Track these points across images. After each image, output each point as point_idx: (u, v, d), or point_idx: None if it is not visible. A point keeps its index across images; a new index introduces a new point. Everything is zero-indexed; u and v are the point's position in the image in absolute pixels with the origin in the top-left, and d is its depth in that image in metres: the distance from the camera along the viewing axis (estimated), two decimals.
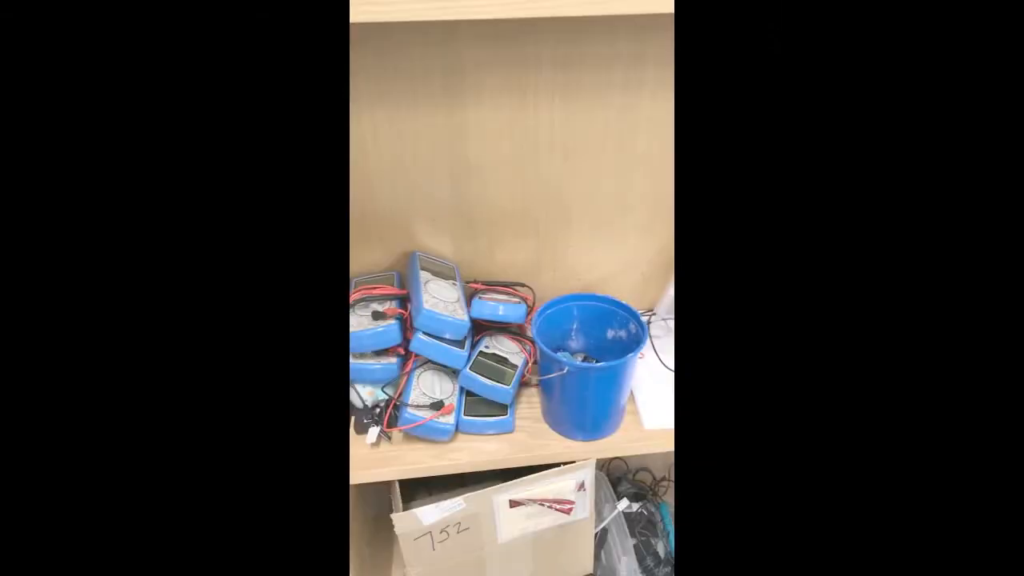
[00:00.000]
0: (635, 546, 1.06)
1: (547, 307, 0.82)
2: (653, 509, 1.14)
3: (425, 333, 0.78)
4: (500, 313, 0.84)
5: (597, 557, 1.06)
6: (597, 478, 1.12)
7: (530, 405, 0.87)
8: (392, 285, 0.87)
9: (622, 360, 0.72)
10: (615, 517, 1.05)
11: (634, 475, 1.23)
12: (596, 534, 1.02)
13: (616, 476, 1.21)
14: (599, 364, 0.76)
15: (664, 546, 1.08)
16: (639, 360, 0.89)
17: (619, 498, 1.08)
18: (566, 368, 0.72)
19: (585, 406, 0.78)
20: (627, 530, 1.05)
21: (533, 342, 0.89)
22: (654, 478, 1.23)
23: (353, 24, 0.61)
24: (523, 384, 0.88)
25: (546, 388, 0.81)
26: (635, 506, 1.13)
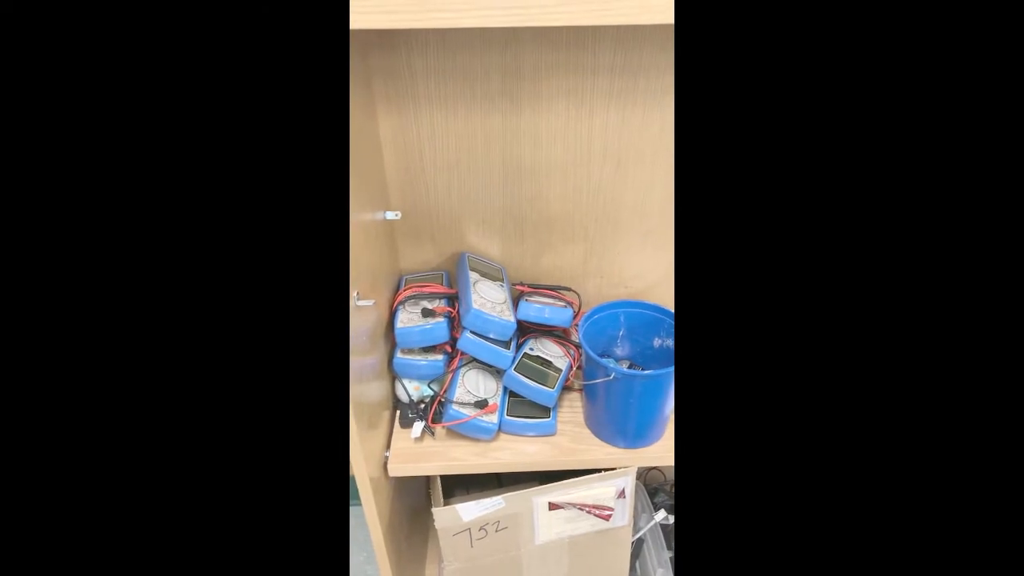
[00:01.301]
0: (671, 559, 1.04)
1: (594, 312, 0.82)
2: None
3: (472, 332, 0.79)
4: (546, 316, 0.84)
5: (632, 568, 1.05)
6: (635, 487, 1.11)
7: (572, 410, 0.87)
8: (440, 284, 0.89)
9: (669, 369, 0.72)
10: (652, 528, 1.04)
11: (671, 487, 1.22)
12: (631, 544, 1.01)
13: (652, 487, 1.20)
14: (646, 372, 0.76)
15: None
16: None
17: (656, 509, 1.07)
18: (612, 374, 0.72)
19: (629, 414, 0.78)
20: (664, 542, 1.04)
21: (577, 346, 0.89)
22: None
23: (416, 29, 0.62)
24: (566, 388, 0.88)
25: (590, 393, 0.81)
26: (672, 518, 1.11)
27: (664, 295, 1.00)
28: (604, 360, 0.86)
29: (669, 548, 1.06)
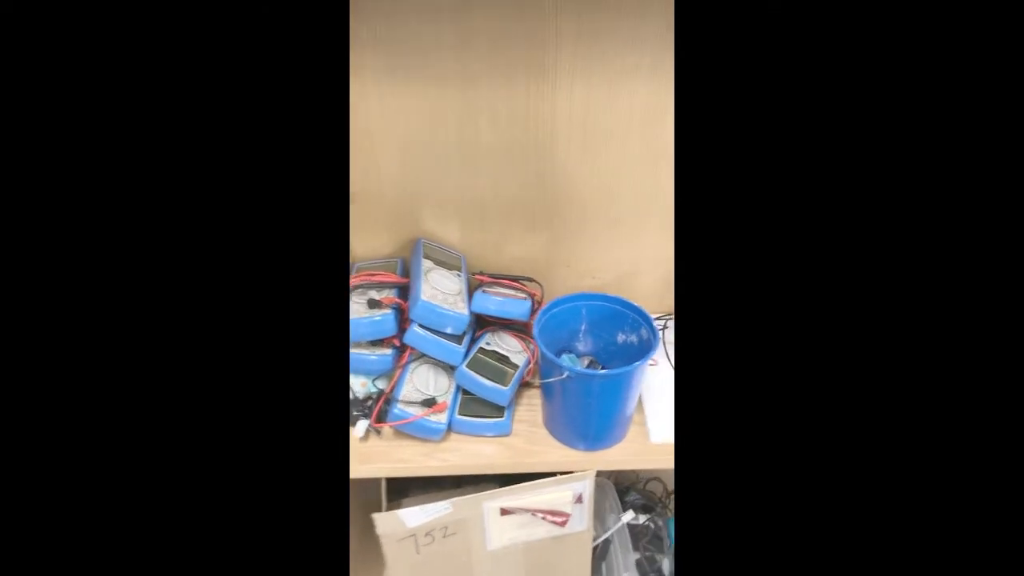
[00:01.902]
0: (638, 561, 1.00)
1: (553, 305, 0.76)
2: (661, 523, 1.07)
3: (421, 325, 0.74)
4: (502, 309, 0.78)
5: (597, 569, 1.00)
6: (603, 486, 1.07)
7: (531, 408, 0.82)
8: (394, 272, 0.83)
9: (628, 368, 0.67)
10: (619, 529, 1.00)
11: (644, 485, 1.17)
12: (597, 546, 0.96)
13: (624, 485, 1.15)
14: (602, 371, 0.70)
15: (669, 564, 1.02)
16: (651, 367, 0.83)
17: (625, 508, 1.03)
18: (566, 373, 0.67)
19: (587, 414, 0.72)
20: (631, 544, 1.00)
21: None
22: (665, 490, 1.17)
23: None
24: (525, 385, 0.83)
25: (547, 392, 0.76)
26: (642, 518, 1.07)
27: (635, 286, 0.95)
28: (562, 357, 0.81)
29: (636, 550, 1.02)
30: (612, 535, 1.00)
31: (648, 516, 1.07)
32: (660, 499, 1.15)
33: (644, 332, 0.74)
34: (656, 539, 1.05)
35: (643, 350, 0.74)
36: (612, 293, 0.93)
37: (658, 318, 0.96)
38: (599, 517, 1.05)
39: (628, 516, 0.99)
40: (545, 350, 0.69)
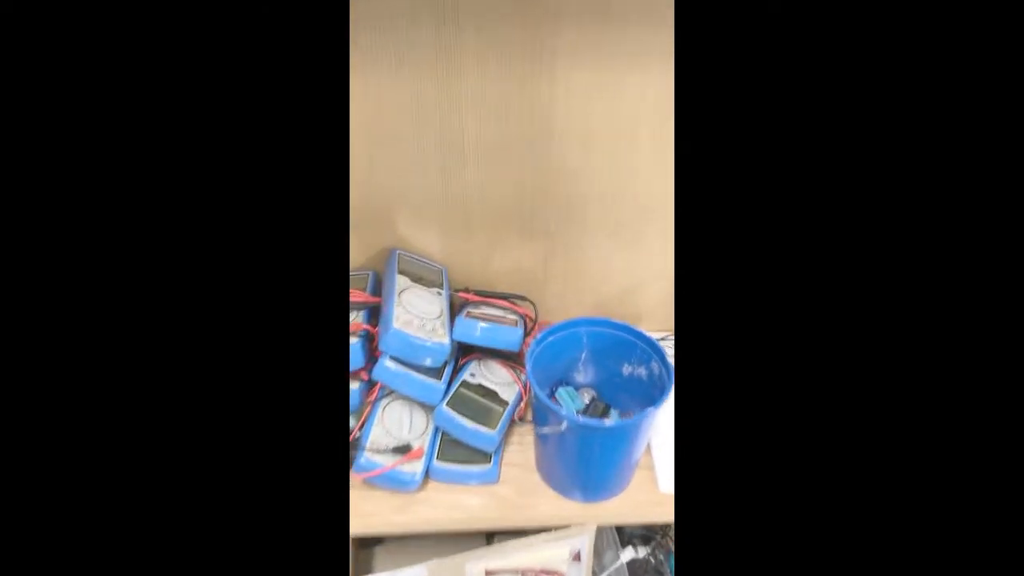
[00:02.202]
0: None
1: (549, 333, 0.65)
2: (662, 557, 0.98)
3: (392, 358, 0.62)
4: (488, 338, 0.67)
5: None
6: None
7: (522, 447, 0.71)
8: (363, 289, 0.72)
9: (636, 419, 0.56)
10: (617, 568, 0.90)
11: None
12: None
13: None
14: (608, 423, 0.60)
15: None
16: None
17: (624, 543, 0.93)
18: (564, 423, 0.56)
19: (588, 464, 0.62)
20: None
21: None
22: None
23: None
24: (517, 420, 0.72)
25: (541, 437, 0.65)
26: (642, 552, 0.98)
27: (640, 302, 0.84)
28: (558, 391, 0.70)
29: None
30: (611, 575, 0.90)
31: (648, 549, 0.98)
32: (661, 528, 1.06)
33: (655, 366, 0.64)
34: (658, 575, 0.96)
35: (653, 387, 0.63)
36: (614, 307, 0.82)
37: (663, 339, 0.85)
38: (596, 553, 0.95)
39: (627, 555, 0.90)
40: (540, 393, 0.57)
